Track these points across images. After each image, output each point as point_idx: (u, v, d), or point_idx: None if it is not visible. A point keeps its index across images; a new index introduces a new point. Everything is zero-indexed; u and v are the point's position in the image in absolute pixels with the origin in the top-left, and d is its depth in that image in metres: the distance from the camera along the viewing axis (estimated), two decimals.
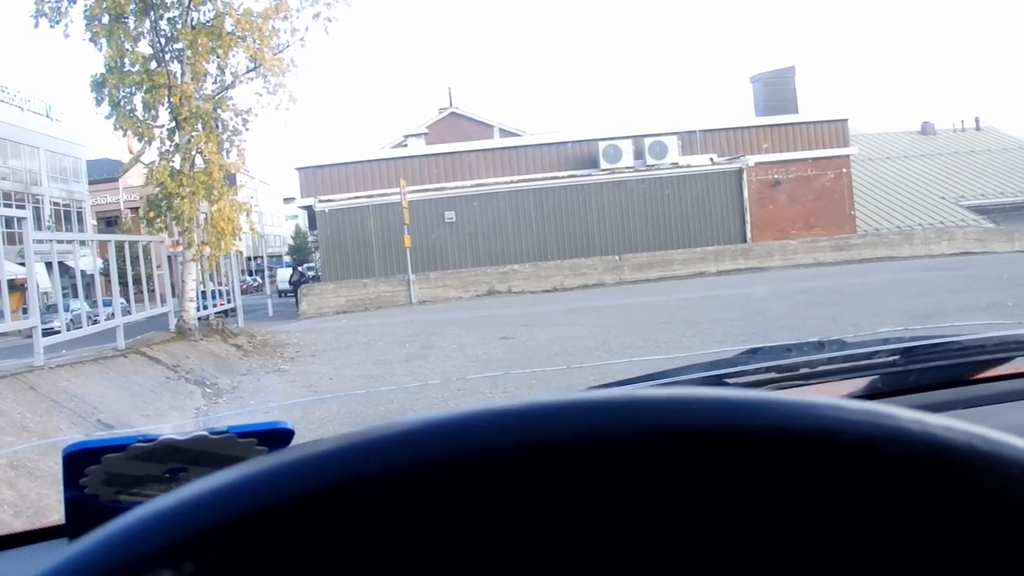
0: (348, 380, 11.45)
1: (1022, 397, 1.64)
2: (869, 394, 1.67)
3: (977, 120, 53.24)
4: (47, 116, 54.42)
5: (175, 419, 9.39)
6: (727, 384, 1.57)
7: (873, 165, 43.27)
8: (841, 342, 1.81)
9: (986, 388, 1.70)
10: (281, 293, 42.73)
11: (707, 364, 1.74)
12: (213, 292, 19.00)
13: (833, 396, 1.60)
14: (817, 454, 0.42)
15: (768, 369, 1.67)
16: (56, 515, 1.04)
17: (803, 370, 1.67)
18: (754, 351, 1.78)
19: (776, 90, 39.51)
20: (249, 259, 64.13)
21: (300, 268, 41.11)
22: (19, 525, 5.25)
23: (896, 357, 1.68)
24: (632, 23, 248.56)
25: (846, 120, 36.26)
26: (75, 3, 15.45)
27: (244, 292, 27.17)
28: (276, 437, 0.98)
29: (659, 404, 0.45)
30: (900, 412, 0.45)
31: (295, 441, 1.03)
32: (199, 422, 9.31)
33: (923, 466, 0.42)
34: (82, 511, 0.97)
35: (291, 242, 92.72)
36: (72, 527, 1.01)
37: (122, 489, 0.96)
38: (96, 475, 0.94)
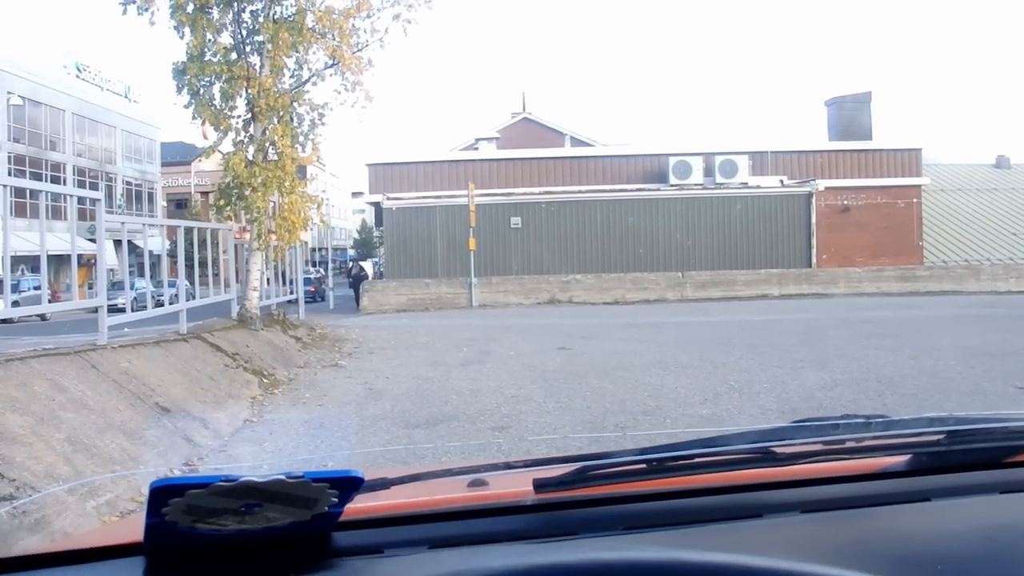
0: (404, 380, 11.51)
1: None
2: (912, 470, 1.69)
3: None
4: (126, 97, 55.26)
5: (231, 407, 9.49)
6: (775, 455, 1.59)
7: (944, 196, 42.74)
8: (888, 421, 1.84)
9: None
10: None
11: (756, 433, 1.77)
12: (281, 280, 19.15)
13: (876, 469, 1.69)
14: None
15: (815, 442, 1.69)
16: (110, 495, 1.10)
17: (849, 444, 1.67)
18: (802, 424, 1.81)
19: (851, 115, 39.19)
20: (314, 250, 64.65)
21: (360, 263, 40.52)
22: (72, 504, 5.35)
23: (941, 437, 1.68)
24: (710, 40, 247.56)
25: (920, 150, 35.88)
26: None
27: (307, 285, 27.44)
28: (347, 484, 1.03)
29: None
30: None
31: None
32: (251, 416, 9.42)
33: None
34: (159, 535, 1.03)
35: (356, 236, 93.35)
36: (149, 548, 1.07)
37: (199, 519, 1.01)
38: (178, 506, 0.99)
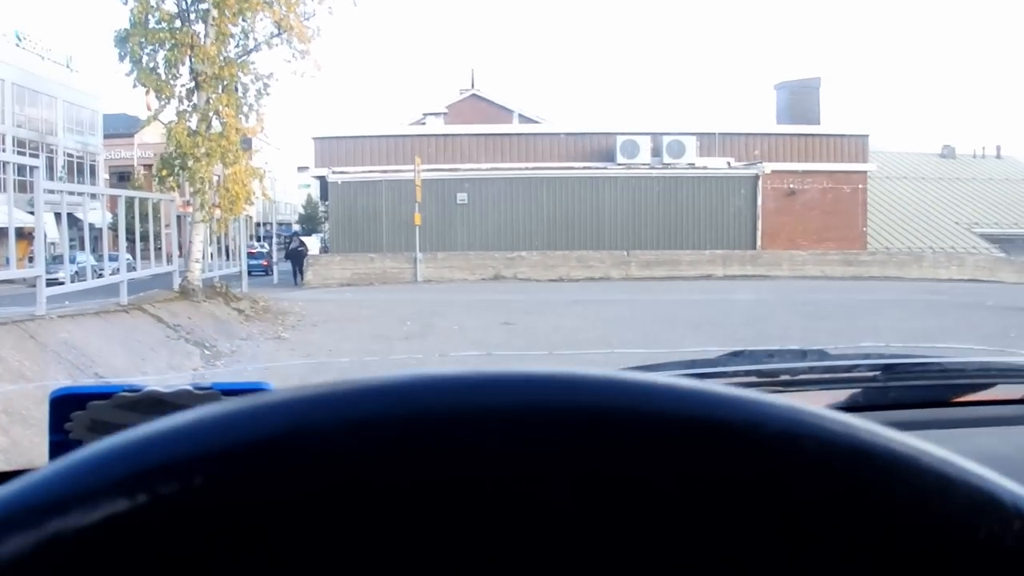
0: (347, 353, 11.44)
1: (997, 423, 1.65)
2: (848, 407, 1.66)
3: (998, 148, 53.09)
4: (67, 67, 54.40)
5: (172, 378, 9.39)
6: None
7: (890, 183, 43.13)
8: (823, 352, 1.84)
9: (964, 412, 1.71)
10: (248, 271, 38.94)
11: (688, 362, 1.74)
12: (221, 253, 19.02)
13: (812, 405, 1.63)
14: (736, 445, 0.42)
15: (748, 372, 1.68)
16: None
17: (784, 377, 1.67)
18: (736, 354, 1.79)
19: (800, 99, 39.40)
20: (258, 225, 64.10)
21: (300, 236, 38.82)
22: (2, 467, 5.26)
23: (877, 372, 1.68)
24: (660, 21, 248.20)
25: (867, 136, 36.15)
26: None
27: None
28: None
29: (593, 384, 0.44)
30: (825, 412, 0.44)
31: None
32: (191, 377, 9.33)
33: (840, 467, 0.42)
34: (64, 454, 0.98)
35: (302, 211, 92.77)
36: None
37: (104, 435, 0.96)
38: (81, 421, 0.95)
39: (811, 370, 1.73)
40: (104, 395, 0.93)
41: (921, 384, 1.73)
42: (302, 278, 29.30)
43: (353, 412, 0.42)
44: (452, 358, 9.77)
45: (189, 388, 0.94)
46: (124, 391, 0.93)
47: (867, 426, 0.44)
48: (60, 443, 0.97)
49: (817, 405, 1.31)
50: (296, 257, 31.78)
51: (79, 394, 0.94)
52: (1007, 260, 34.66)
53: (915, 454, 0.44)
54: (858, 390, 1.70)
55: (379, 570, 0.42)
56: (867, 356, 1.83)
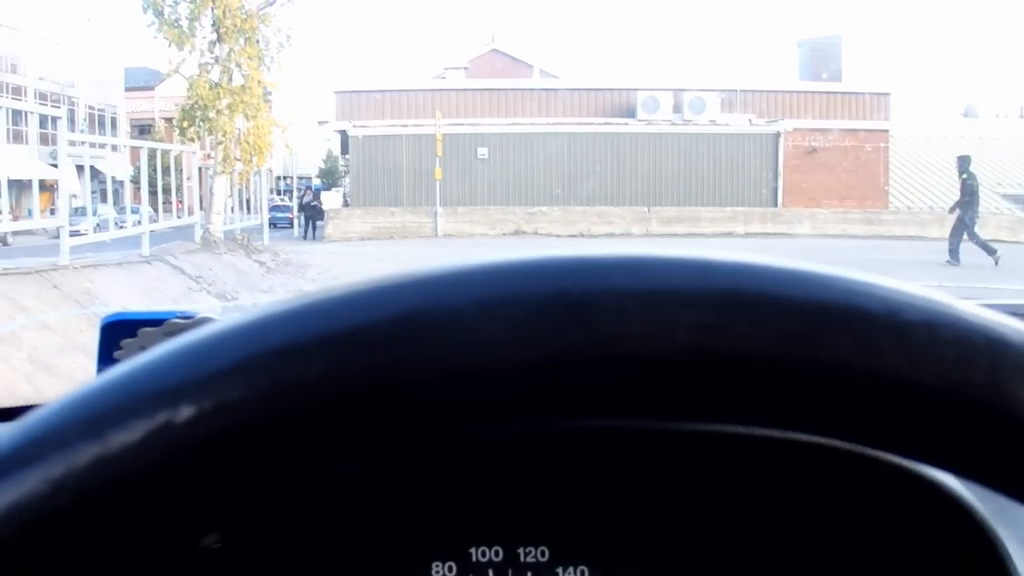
0: None
1: None
2: None
3: (1022, 108, 52.79)
4: (88, 20, 54.31)
5: (223, 305, 9.43)
6: None
7: (912, 142, 42.84)
8: None
9: None
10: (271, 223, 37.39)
11: None
12: (243, 206, 19.05)
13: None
14: (874, 330, 0.42)
15: None
16: None
17: None
18: None
19: (822, 56, 39.08)
20: (279, 178, 64.07)
21: (312, 190, 37.83)
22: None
23: None
24: None
25: (888, 94, 35.89)
26: None
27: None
28: None
29: (728, 268, 0.44)
30: (960, 302, 0.44)
31: None
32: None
33: (978, 356, 0.42)
34: None
35: (322, 165, 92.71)
36: None
37: None
38: (131, 348, 0.94)
39: None
40: (156, 322, 0.93)
41: None
42: (314, 234, 29.21)
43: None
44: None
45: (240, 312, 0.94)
46: (176, 318, 0.92)
47: (1002, 319, 0.44)
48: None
49: None
50: (309, 212, 31.55)
51: (131, 320, 0.93)
52: None
53: None
54: None
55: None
56: None
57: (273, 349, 0.39)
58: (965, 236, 19.62)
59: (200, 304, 10.61)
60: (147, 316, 0.93)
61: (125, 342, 0.94)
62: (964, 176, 20.24)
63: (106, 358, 0.96)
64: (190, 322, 0.93)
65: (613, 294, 0.41)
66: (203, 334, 0.40)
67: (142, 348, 0.95)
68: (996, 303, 1.93)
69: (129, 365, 0.41)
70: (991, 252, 19.12)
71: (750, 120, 32.91)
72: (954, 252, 19.39)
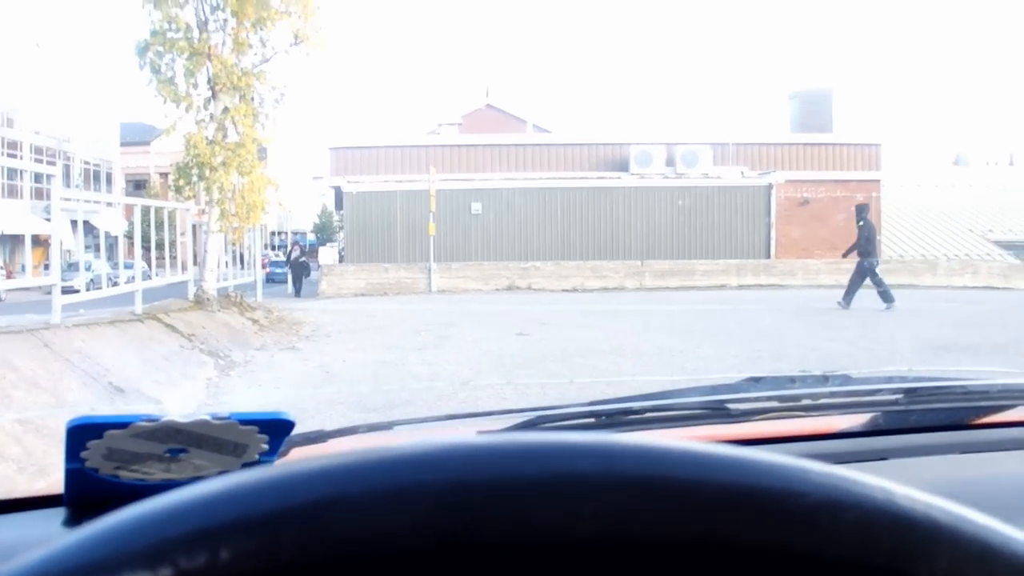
0: (361, 364, 11.46)
1: (1020, 447, 1.65)
2: (870, 431, 1.68)
3: (1011, 156, 53.30)
4: (85, 75, 54.64)
5: (186, 388, 9.42)
6: (729, 411, 1.57)
7: (903, 192, 43.10)
8: (845, 377, 1.82)
9: (988, 434, 1.71)
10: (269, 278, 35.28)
11: (708, 388, 1.74)
12: (236, 262, 19.10)
13: (833, 429, 1.66)
14: (778, 514, 0.42)
15: (770, 398, 1.66)
16: (58, 475, 1.06)
17: (805, 402, 1.66)
18: (757, 379, 1.78)
19: (813, 109, 39.35)
20: (273, 233, 64.37)
21: (301, 244, 37.03)
22: (22, 483, 5.28)
23: (899, 396, 1.66)
24: (673, 30, 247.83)
25: (879, 145, 36.11)
26: None
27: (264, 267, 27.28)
28: (277, 427, 0.99)
29: (631, 452, 0.45)
30: (864, 479, 0.45)
31: (297, 430, 1.05)
32: (207, 398, 9.35)
33: (882, 536, 0.42)
34: (81, 482, 1.00)
35: (316, 220, 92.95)
36: (70, 497, 1.03)
37: (122, 465, 0.98)
38: (97, 449, 0.95)
39: (832, 395, 1.71)
40: (120, 425, 0.94)
41: (943, 407, 1.71)
42: (300, 290, 29.29)
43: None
44: (472, 385, 9.78)
45: (207, 418, 0.95)
46: (142, 420, 0.94)
47: (907, 493, 0.45)
48: (76, 471, 0.98)
49: (837, 429, 1.33)
50: (296, 268, 31.61)
51: (96, 424, 0.94)
52: (1021, 267, 34.61)
53: (957, 523, 0.45)
54: (879, 413, 1.70)
55: None
56: (889, 379, 1.83)
57: (179, 537, 0.41)
58: (869, 281, 20.08)
59: (190, 365, 10.61)
60: (113, 419, 0.95)
61: (91, 443, 0.95)
62: (860, 223, 20.52)
63: (73, 458, 0.98)
64: (154, 425, 0.94)
65: (513, 483, 0.42)
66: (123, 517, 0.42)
67: (108, 450, 0.96)
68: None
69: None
70: (889, 300, 19.59)
71: (742, 172, 33.07)
72: (848, 296, 19.86)
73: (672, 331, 15.32)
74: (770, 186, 32.16)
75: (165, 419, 0.94)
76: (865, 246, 20.38)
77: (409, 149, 33.32)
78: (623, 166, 32.62)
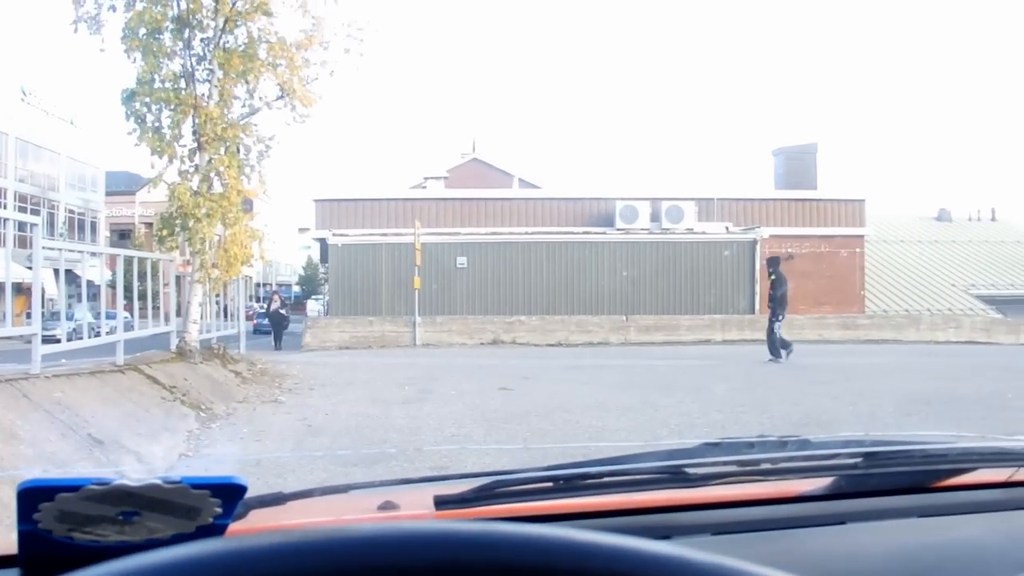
0: (344, 417, 11.40)
1: (979, 510, 1.67)
2: (829, 494, 1.68)
3: (993, 211, 53.71)
4: (71, 123, 54.74)
5: (167, 440, 9.34)
6: (687, 475, 1.56)
7: (887, 247, 43.41)
8: (804, 441, 1.85)
9: (946, 497, 1.73)
10: (256, 330, 36.51)
11: (666, 453, 1.75)
12: (220, 314, 19.05)
13: (793, 493, 1.67)
14: None
15: (729, 462, 1.67)
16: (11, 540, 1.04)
17: (764, 466, 1.66)
18: (715, 444, 1.81)
19: (797, 165, 39.70)
20: (258, 286, 64.33)
21: (280, 295, 36.58)
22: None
23: (858, 459, 1.67)
24: (660, 86, 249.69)
25: (863, 200, 36.39)
26: (115, 11, 15.58)
27: (248, 319, 27.20)
28: (230, 492, 0.98)
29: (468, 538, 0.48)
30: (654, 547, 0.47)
31: (250, 493, 1.03)
32: (188, 450, 9.28)
33: None
34: (35, 543, 0.97)
35: (302, 272, 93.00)
36: (24, 559, 1.01)
37: (75, 527, 0.96)
38: (49, 511, 0.94)
39: (791, 458, 1.72)
40: (72, 488, 0.92)
41: (902, 470, 1.72)
42: (280, 344, 29.12)
43: None
44: (428, 452, 9.72)
45: (158, 481, 0.93)
46: (93, 484, 0.92)
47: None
48: (29, 533, 0.96)
49: (797, 492, 1.34)
50: (277, 320, 31.26)
51: (48, 486, 0.93)
52: (1003, 321, 34.86)
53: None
54: (839, 477, 1.70)
55: None
56: (847, 443, 1.85)
57: None
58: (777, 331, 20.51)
59: (171, 418, 10.53)
60: (64, 482, 0.93)
61: (44, 506, 0.94)
62: (772, 276, 21.04)
63: (25, 520, 0.96)
64: (106, 488, 0.93)
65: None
66: None
67: (61, 512, 0.94)
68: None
69: None
70: (776, 355, 20.02)
71: (727, 228, 33.25)
72: (773, 349, 20.31)
73: (656, 386, 15.30)
74: (755, 241, 32.30)
75: (116, 483, 0.93)
76: (776, 297, 20.86)
77: (395, 202, 33.43)
78: (609, 221, 32.76)
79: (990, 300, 41.01)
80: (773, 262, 21.45)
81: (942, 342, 30.01)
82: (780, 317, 20.61)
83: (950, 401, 12.83)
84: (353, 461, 8.41)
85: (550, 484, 1.48)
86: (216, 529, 1.02)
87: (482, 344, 27.81)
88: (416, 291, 27.93)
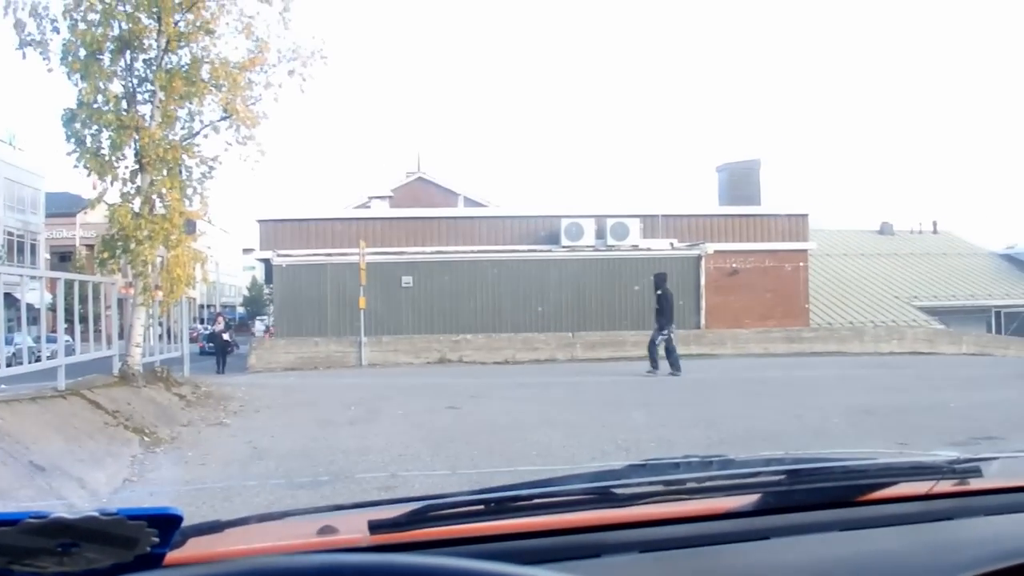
0: (290, 439, 11.33)
1: (898, 522, 1.73)
2: (754, 511, 1.72)
3: (935, 223, 54.50)
4: (10, 144, 54.14)
5: (110, 466, 9.24)
6: (615, 496, 1.60)
7: (830, 260, 43.91)
8: (728, 460, 1.87)
9: (867, 511, 1.78)
10: (203, 351, 36.49)
11: (591, 475, 1.80)
12: (163, 336, 18.87)
13: (718, 511, 1.72)
14: None
15: (655, 483, 1.70)
16: None
17: (690, 485, 1.71)
18: (642, 465, 1.85)
19: (741, 181, 40.08)
20: (202, 307, 63.88)
21: (223, 316, 36.09)
22: None
23: (782, 476, 1.73)
24: (604, 105, 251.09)
25: (807, 215, 36.71)
26: (58, 32, 15.41)
27: (192, 340, 26.93)
28: (166, 522, 0.99)
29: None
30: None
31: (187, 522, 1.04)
32: (132, 475, 9.17)
33: None
34: None
35: (247, 293, 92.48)
36: None
37: (14, 559, 0.95)
38: None
39: (716, 477, 1.76)
40: (10, 522, 0.92)
41: (825, 486, 1.77)
42: (223, 367, 28.73)
43: None
44: (403, 458, 9.68)
45: (95, 514, 0.93)
46: (30, 517, 0.92)
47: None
48: None
49: (723, 510, 1.39)
50: (219, 342, 30.88)
51: None
52: (946, 332, 35.33)
53: None
54: (763, 494, 1.74)
55: None
56: (770, 462, 1.88)
57: None
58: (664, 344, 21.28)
59: (115, 443, 10.41)
60: (1, 516, 0.92)
61: None
62: (659, 292, 21.83)
63: None
64: (43, 522, 0.92)
65: None
66: None
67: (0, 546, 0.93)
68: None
69: None
70: (654, 367, 20.90)
71: (672, 244, 33.43)
72: (653, 360, 21.17)
73: (603, 402, 15.36)
74: (699, 257, 32.52)
75: (54, 516, 0.93)
76: (661, 311, 21.57)
77: (339, 222, 33.33)
78: (554, 239, 32.85)
79: (933, 311, 41.60)
80: (660, 278, 22.20)
81: (886, 353, 30.36)
82: (667, 332, 21.26)
83: (894, 412, 13.00)
84: (298, 483, 8.36)
85: (481, 507, 1.51)
86: (154, 559, 1.02)
87: (428, 363, 27.77)
88: (362, 311, 27.82)
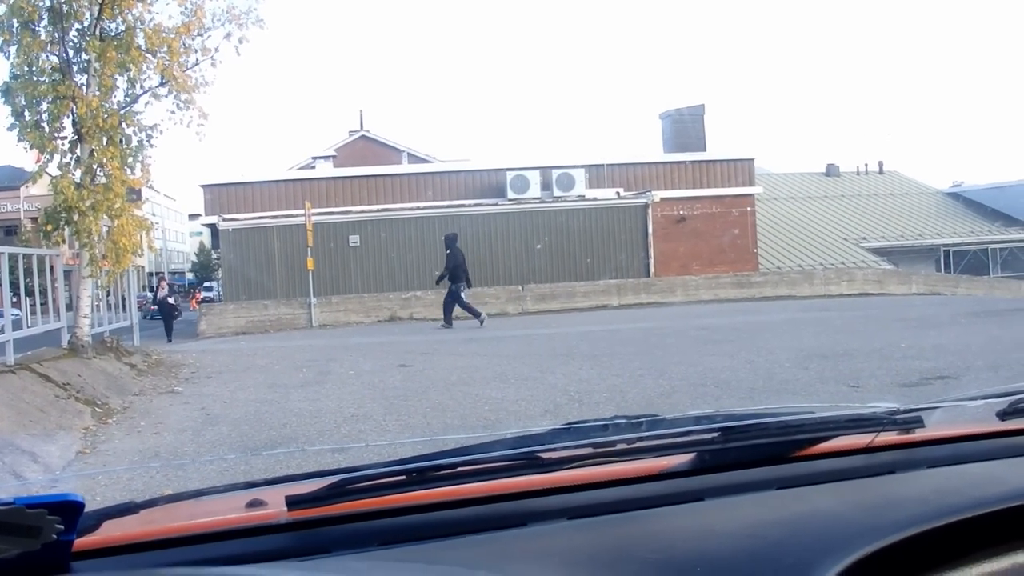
0: (242, 404, 11.33)
1: (838, 478, 1.69)
2: (688, 470, 1.69)
3: (880, 164, 54.73)
4: None
5: (62, 439, 9.22)
6: (541, 460, 1.58)
7: (778, 204, 44.14)
8: (659, 420, 1.83)
9: (805, 467, 1.74)
10: (146, 315, 34.87)
11: (515, 440, 1.72)
12: (112, 306, 18.72)
13: (651, 471, 1.67)
14: None
15: (583, 445, 1.65)
16: None
17: (620, 447, 1.65)
18: (567, 428, 1.77)
19: (685, 127, 40.09)
20: (150, 275, 63.23)
21: (168, 282, 34.98)
22: None
23: (715, 435, 1.67)
24: (546, 56, 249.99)
25: (752, 160, 36.84)
26: None
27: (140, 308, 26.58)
28: (68, 509, 1.00)
29: None
30: None
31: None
32: (84, 448, 9.15)
33: None
34: None
35: (195, 259, 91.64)
36: None
37: None
38: None
39: (647, 438, 1.69)
40: None
41: (760, 442, 1.70)
42: (170, 335, 27.61)
43: None
44: (355, 418, 9.70)
45: None
46: None
47: None
48: None
49: (657, 470, 1.37)
50: (165, 309, 29.43)
51: None
52: (895, 272, 35.65)
53: None
54: (696, 454, 1.71)
55: None
56: (701, 420, 1.82)
57: None
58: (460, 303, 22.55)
59: (66, 415, 10.38)
60: None
61: None
62: (448, 251, 22.67)
63: None
64: (6, 509, 0.95)
65: None
66: None
67: None
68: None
69: None
70: (477, 315, 22.17)
71: (618, 193, 33.48)
72: (448, 318, 22.72)
73: (554, 354, 15.42)
74: (646, 205, 32.60)
75: (13, 502, 0.95)
76: (455, 272, 22.44)
77: (284, 184, 33.16)
78: (500, 192, 32.83)
79: (881, 252, 41.96)
80: (449, 239, 22.93)
81: (836, 296, 30.64)
82: (460, 288, 22.39)
83: (846, 354, 13.10)
84: (251, 447, 8.39)
85: (403, 477, 1.49)
86: (61, 546, 1.04)
87: (379, 321, 27.72)
88: (310, 272, 27.71)
